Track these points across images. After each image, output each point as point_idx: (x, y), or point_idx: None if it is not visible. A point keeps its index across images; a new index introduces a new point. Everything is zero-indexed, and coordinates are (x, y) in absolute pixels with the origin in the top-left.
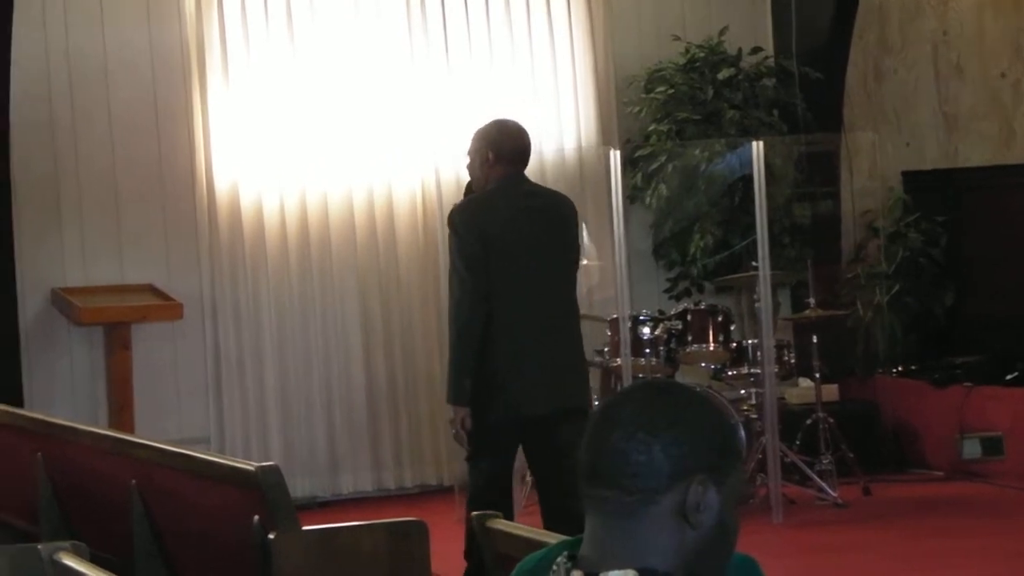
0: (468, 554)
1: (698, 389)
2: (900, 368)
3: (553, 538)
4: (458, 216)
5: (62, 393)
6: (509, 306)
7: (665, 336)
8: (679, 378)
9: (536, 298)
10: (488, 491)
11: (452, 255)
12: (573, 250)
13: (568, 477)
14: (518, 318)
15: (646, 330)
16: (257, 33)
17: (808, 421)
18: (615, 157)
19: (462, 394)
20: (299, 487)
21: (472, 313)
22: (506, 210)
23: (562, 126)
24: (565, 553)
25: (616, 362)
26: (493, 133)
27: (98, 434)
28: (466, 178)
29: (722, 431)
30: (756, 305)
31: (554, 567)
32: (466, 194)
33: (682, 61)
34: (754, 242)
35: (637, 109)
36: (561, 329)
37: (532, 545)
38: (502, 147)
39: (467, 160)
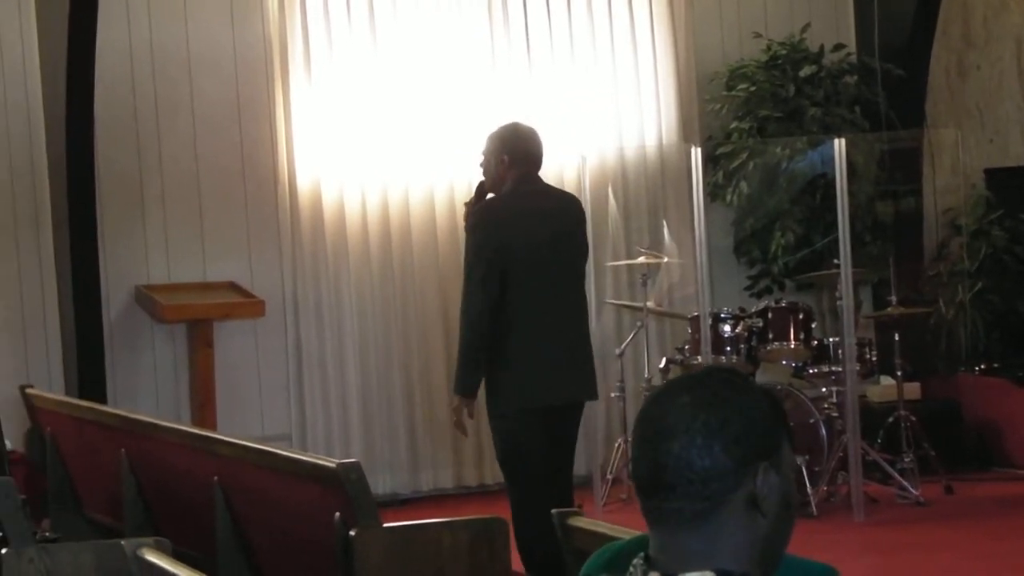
0: (525, 554)
1: (729, 372)
2: (983, 366)
3: (631, 534)
4: (480, 220)
5: (145, 390)
6: (531, 306)
7: (746, 334)
8: (760, 376)
9: (554, 297)
10: (537, 489)
11: (469, 255)
12: (583, 249)
13: (570, 464)
14: (540, 317)
15: (727, 328)
16: (339, 30)
17: (890, 419)
18: (696, 154)
19: (469, 387)
20: (380, 484)
21: (482, 316)
22: (525, 214)
23: (643, 123)
24: (641, 554)
25: (697, 360)
26: (509, 136)
27: (181, 431)
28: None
29: (767, 411)
30: (838, 303)
31: (631, 568)
32: (477, 193)
33: (764, 58)
34: (835, 240)
35: (718, 106)
36: (575, 325)
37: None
38: (517, 150)
39: (481, 160)
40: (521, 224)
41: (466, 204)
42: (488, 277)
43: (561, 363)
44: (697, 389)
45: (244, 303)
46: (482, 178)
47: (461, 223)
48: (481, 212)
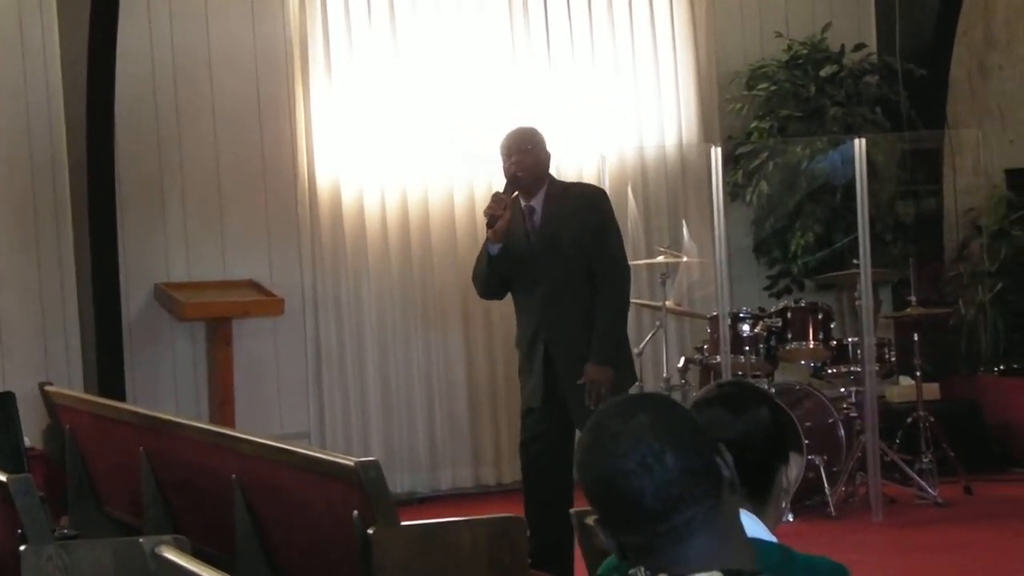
0: None
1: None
2: (1003, 367)
3: None
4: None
5: (165, 387)
6: None
7: (765, 333)
8: (778, 376)
9: None
10: None
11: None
12: None
13: None
14: None
15: (746, 327)
16: (359, 29)
17: (909, 420)
18: (716, 154)
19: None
20: (399, 483)
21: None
22: None
23: (664, 123)
24: (641, 567)
25: (716, 359)
26: (541, 137)
27: (200, 428)
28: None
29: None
30: (857, 303)
31: (631, 572)
32: (513, 187)
33: (785, 58)
34: (856, 240)
35: (739, 106)
36: None
37: None
38: (546, 149)
39: (523, 156)
40: None
41: (501, 196)
42: None
43: None
44: (647, 409)
45: (263, 301)
46: (518, 173)
47: (480, 221)
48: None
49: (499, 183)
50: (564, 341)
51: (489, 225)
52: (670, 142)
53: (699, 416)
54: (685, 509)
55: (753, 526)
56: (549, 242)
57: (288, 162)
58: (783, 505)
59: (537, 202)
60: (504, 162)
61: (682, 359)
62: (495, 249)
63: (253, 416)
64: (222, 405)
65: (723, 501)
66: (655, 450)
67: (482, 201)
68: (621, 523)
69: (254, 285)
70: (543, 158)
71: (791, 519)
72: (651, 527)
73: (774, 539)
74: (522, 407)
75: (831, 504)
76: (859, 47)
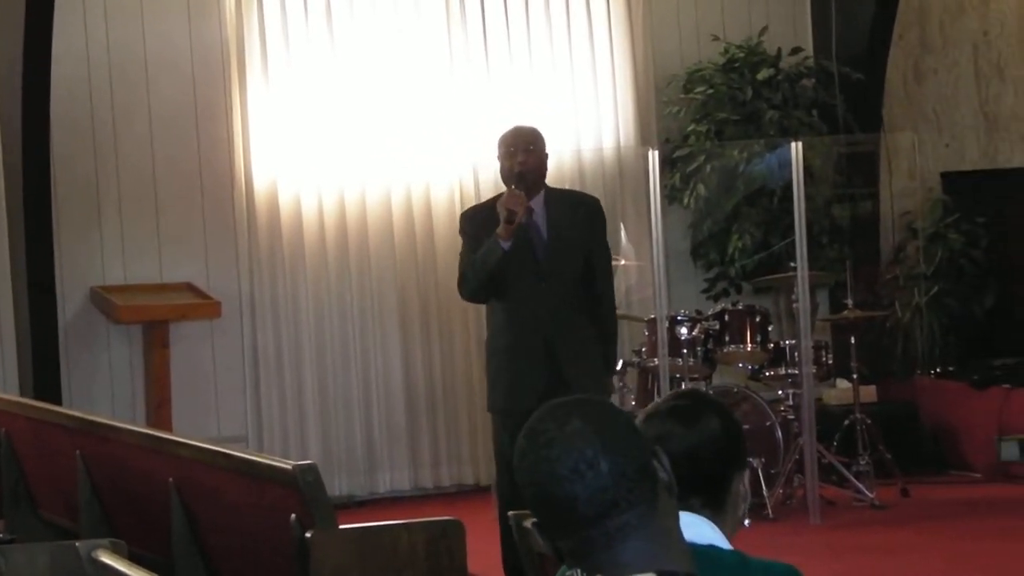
0: None
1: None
2: (939, 369)
3: None
4: None
5: (101, 391)
6: None
7: (702, 336)
8: (716, 378)
9: None
10: None
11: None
12: None
13: None
14: None
15: (684, 330)
16: (297, 31)
17: (846, 422)
18: (654, 157)
19: None
20: (337, 486)
21: None
22: None
23: (601, 126)
24: (577, 570)
25: (653, 362)
26: (543, 138)
27: (137, 432)
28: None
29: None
30: (794, 305)
31: (568, 574)
32: (523, 183)
33: (721, 61)
34: (793, 243)
35: (676, 109)
36: None
37: None
38: (546, 150)
39: (530, 155)
40: None
41: (518, 192)
42: None
43: None
44: (582, 414)
45: (200, 304)
46: (524, 172)
47: (419, 224)
48: None
49: (437, 186)
50: (571, 342)
51: (508, 221)
52: (607, 145)
53: (651, 428)
54: (619, 514)
55: (711, 533)
56: (560, 245)
57: (225, 164)
58: (740, 512)
59: (536, 204)
60: (504, 159)
61: (620, 362)
62: (507, 245)
63: (190, 419)
64: (159, 408)
65: (659, 504)
66: (588, 456)
67: (420, 203)
68: (556, 527)
69: (191, 288)
70: (544, 159)
71: (747, 524)
72: (585, 532)
73: (730, 546)
74: (503, 408)
75: (769, 506)
76: (796, 51)
